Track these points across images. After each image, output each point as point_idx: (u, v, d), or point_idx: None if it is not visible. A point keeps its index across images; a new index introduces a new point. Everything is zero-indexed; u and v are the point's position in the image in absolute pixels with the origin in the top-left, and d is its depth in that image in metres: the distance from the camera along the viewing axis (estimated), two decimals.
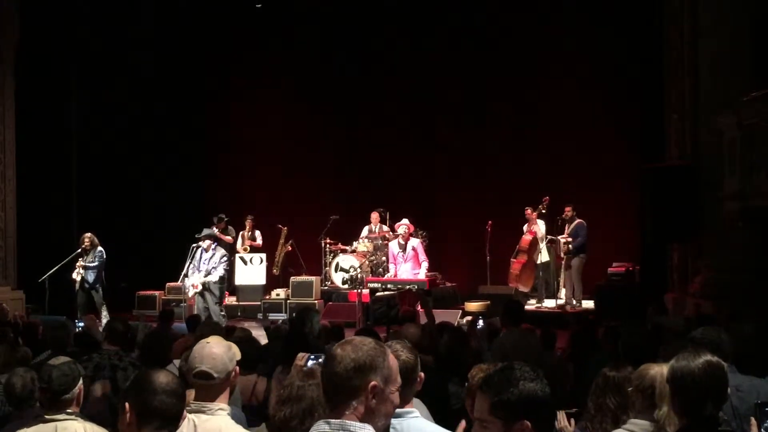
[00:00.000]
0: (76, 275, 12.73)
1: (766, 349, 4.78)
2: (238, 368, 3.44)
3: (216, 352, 3.35)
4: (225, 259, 12.33)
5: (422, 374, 3.34)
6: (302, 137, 16.73)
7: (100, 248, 12.86)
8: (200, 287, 11.98)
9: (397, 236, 13.22)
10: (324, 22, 16.47)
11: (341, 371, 2.43)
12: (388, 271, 13.33)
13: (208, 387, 3.29)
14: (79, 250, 12.83)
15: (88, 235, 12.90)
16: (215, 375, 3.29)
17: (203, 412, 3.24)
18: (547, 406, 2.44)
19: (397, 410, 3.20)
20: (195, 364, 3.32)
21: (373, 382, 2.44)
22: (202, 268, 12.06)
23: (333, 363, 2.46)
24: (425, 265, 12.29)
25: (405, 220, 12.36)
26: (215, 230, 14.30)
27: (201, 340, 3.50)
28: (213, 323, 6.76)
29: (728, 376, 4.08)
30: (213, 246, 12.21)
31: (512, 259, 14.02)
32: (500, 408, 2.41)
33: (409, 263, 12.10)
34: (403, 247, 12.28)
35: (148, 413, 2.82)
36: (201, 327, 6.31)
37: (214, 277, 11.94)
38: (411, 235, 12.59)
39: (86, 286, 12.73)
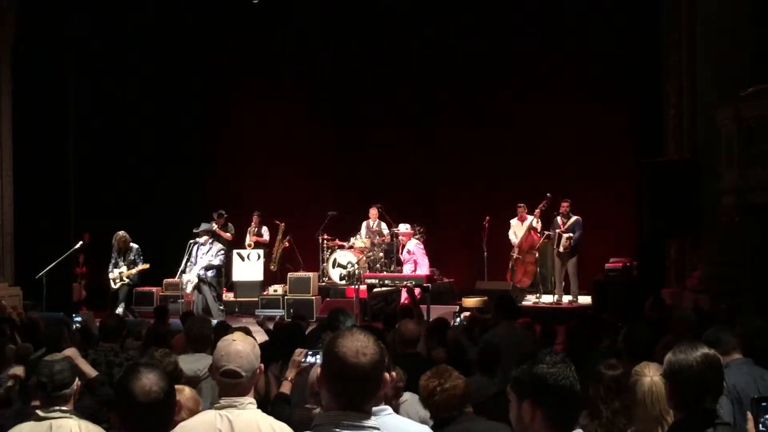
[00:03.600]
0: (117, 277, 12.68)
1: None
2: (262, 366, 3.40)
3: (243, 350, 3.29)
4: (222, 253, 12.39)
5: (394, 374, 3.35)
6: (300, 134, 16.71)
7: (137, 246, 12.83)
8: (196, 281, 12.03)
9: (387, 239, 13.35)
10: (324, 20, 16.48)
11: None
12: (399, 266, 13.44)
13: (235, 385, 3.25)
14: (116, 252, 12.76)
15: (122, 233, 12.84)
16: (243, 374, 3.25)
17: (235, 407, 3.21)
18: (556, 393, 2.42)
19: (373, 408, 3.21)
20: (222, 362, 3.26)
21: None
22: (199, 263, 12.11)
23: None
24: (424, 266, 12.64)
25: (403, 227, 12.57)
26: (214, 226, 14.31)
27: (225, 338, 3.42)
28: (201, 318, 6.71)
29: (746, 368, 4.15)
30: (210, 241, 12.28)
31: (518, 256, 13.89)
32: (512, 383, 2.51)
33: (408, 264, 12.33)
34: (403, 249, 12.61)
35: (132, 428, 2.79)
36: (190, 322, 6.26)
37: (211, 271, 12.01)
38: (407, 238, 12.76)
39: (131, 283, 12.72)
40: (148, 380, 2.78)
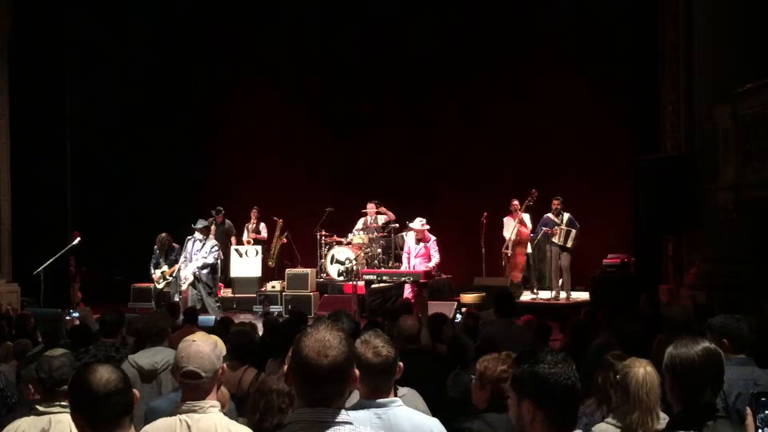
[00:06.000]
0: (160, 277, 12.67)
1: None
2: (225, 365, 3.37)
3: (202, 350, 3.25)
4: (216, 249, 12.38)
5: (401, 364, 3.32)
6: (298, 130, 16.73)
7: (177, 246, 12.81)
8: (191, 278, 12.03)
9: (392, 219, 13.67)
10: (324, 19, 16.48)
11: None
12: (397, 262, 13.39)
13: (195, 386, 3.22)
14: (159, 252, 12.72)
15: (165, 235, 12.83)
16: (203, 374, 3.20)
17: (195, 411, 3.18)
18: (557, 394, 2.42)
19: (381, 400, 3.20)
20: (183, 363, 3.22)
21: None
22: (194, 259, 12.12)
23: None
24: (434, 261, 12.48)
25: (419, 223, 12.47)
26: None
27: (186, 338, 3.36)
28: (157, 313, 6.76)
29: (748, 369, 4.14)
30: (204, 237, 12.28)
31: (507, 251, 13.95)
32: (513, 381, 2.52)
33: (418, 258, 12.29)
34: (418, 242, 12.51)
35: (93, 420, 2.78)
36: (147, 317, 6.17)
37: (199, 263, 12.01)
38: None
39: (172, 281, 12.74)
40: (106, 371, 2.78)
